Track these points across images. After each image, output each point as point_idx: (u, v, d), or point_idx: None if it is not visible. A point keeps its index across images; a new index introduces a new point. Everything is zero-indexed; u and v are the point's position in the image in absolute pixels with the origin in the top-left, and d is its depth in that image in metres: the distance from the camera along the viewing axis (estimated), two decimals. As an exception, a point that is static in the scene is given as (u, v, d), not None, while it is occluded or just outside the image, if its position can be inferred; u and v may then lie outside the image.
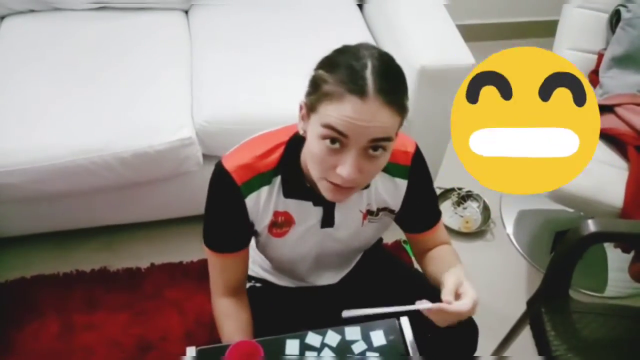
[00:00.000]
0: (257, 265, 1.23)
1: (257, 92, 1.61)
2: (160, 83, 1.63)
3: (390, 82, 0.80)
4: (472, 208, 2.03)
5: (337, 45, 0.84)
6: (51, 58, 1.67)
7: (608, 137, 1.55)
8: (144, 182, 1.61)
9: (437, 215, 1.13)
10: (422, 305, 0.84)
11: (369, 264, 1.26)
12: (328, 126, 0.80)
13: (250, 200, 0.97)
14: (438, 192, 2.03)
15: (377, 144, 0.81)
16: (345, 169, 0.81)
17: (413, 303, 0.87)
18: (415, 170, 1.04)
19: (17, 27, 1.79)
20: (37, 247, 1.81)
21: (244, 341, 0.94)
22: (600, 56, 1.70)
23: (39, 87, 1.59)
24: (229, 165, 0.95)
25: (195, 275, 1.75)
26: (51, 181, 1.50)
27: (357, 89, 0.77)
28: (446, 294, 0.86)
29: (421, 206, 1.09)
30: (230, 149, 1.00)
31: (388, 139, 0.82)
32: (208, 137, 1.58)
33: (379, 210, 1.06)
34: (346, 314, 0.84)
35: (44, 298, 1.68)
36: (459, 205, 2.04)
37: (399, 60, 0.84)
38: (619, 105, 1.57)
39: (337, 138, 0.80)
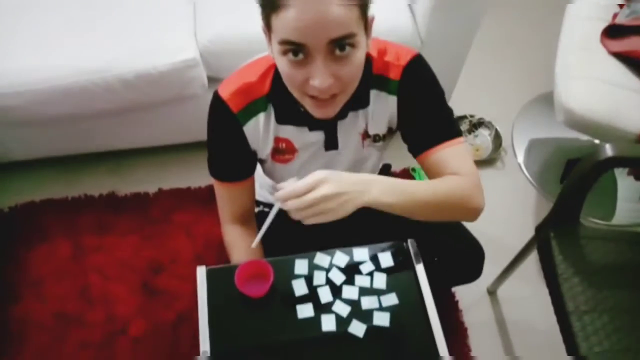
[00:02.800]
0: (265, 189, 1.22)
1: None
2: (162, 2, 1.57)
3: None
4: (484, 136, 1.99)
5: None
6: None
7: (629, 59, 1.49)
8: (149, 105, 1.59)
9: (448, 132, 0.95)
10: (275, 207, 0.87)
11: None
12: (283, 41, 0.75)
13: (248, 128, 0.94)
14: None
15: (340, 42, 0.75)
16: (317, 79, 0.77)
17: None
18: (408, 85, 0.93)
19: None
20: (46, 172, 1.81)
21: (254, 260, 0.95)
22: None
23: (39, 9, 1.54)
24: (224, 93, 0.92)
25: (203, 199, 1.75)
26: (55, 103, 1.48)
27: None
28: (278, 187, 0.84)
29: (423, 122, 0.96)
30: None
31: (350, 35, 0.75)
32: (212, 57, 1.53)
33: (378, 135, 1.01)
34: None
35: (53, 221, 1.70)
36: (470, 133, 2.00)
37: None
38: (644, 26, 1.49)
39: (295, 49, 0.76)
